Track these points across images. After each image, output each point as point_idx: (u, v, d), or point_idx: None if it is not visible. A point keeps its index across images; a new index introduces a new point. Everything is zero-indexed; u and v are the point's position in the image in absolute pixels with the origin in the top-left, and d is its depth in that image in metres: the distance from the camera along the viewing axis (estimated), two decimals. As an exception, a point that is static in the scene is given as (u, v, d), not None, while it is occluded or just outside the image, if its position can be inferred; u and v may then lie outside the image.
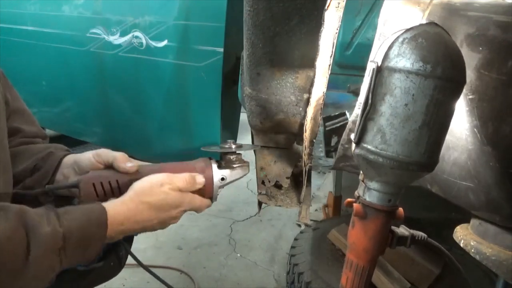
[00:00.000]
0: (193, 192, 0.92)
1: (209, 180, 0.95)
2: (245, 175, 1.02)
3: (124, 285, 2.16)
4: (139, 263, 0.93)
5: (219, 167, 0.98)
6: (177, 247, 2.59)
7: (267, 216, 3.10)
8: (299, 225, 2.88)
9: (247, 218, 3.03)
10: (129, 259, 1.01)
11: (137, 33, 1.57)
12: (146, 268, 0.96)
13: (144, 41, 1.56)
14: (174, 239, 2.62)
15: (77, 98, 1.85)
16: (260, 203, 1.16)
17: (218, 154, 1.03)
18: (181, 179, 0.89)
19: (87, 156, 0.95)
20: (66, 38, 1.72)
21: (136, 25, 1.57)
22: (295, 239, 1.95)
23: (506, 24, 0.85)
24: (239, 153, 1.01)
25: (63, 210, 0.74)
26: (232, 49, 1.50)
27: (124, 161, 0.91)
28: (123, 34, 1.59)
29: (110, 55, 1.63)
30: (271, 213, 3.11)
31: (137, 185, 0.86)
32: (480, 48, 0.86)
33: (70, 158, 0.98)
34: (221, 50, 1.46)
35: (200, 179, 0.93)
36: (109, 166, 0.93)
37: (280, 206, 1.13)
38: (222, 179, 0.96)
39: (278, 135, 1.10)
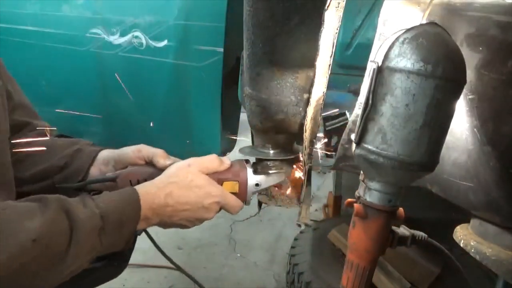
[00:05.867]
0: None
1: (243, 184, 0.94)
2: (280, 181, 1.00)
3: (124, 285, 2.15)
4: (156, 246, 1.01)
5: (255, 172, 0.96)
6: (177, 247, 2.59)
7: (267, 216, 3.10)
8: (299, 225, 2.88)
9: (247, 218, 3.03)
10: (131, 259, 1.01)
11: (137, 33, 1.57)
12: (163, 253, 0.97)
13: (144, 41, 1.56)
14: (174, 239, 2.62)
15: (77, 98, 1.85)
16: (260, 203, 1.16)
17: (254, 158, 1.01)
18: (208, 158, 0.91)
19: (127, 151, 0.97)
20: (66, 38, 1.72)
21: (136, 25, 1.57)
22: (295, 239, 1.96)
23: (506, 24, 0.85)
24: (276, 159, 0.99)
25: (97, 195, 0.78)
26: (232, 49, 1.51)
27: (164, 158, 0.94)
28: (123, 34, 1.59)
29: (110, 55, 1.63)
30: (271, 213, 3.11)
31: (167, 170, 0.89)
32: (480, 48, 0.86)
33: (106, 154, 1.00)
34: (221, 50, 1.46)
35: (226, 161, 0.94)
36: (149, 162, 0.95)
37: (280, 206, 1.13)
38: (257, 184, 0.95)
39: (278, 135, 1.09)
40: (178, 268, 1.04)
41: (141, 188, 0.82)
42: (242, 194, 0.94)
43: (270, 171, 0.98)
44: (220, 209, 0.92)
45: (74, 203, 0.72)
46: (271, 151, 1.00)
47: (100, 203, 0.75)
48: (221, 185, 0.92)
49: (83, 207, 0.72)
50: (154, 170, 0.93)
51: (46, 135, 1.02)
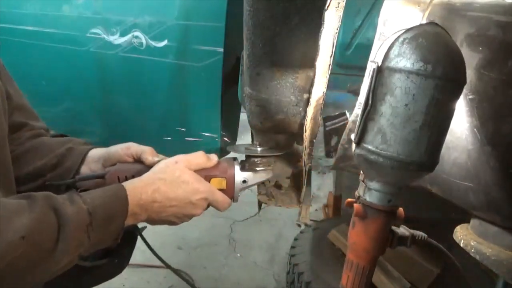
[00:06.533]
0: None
1: (231, 180, 0.95)
2: (268, 179, 1.01)
3: (124, 285, 2.16)
4: (150, 248, 0.99)
5: (242, 169, 0.97)
6: (177, 247, 2.59)
7: (267, 216, 3.10)
8: (299, 225, 2.88)
9: (247, 218, 3.03)
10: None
11: (137, 33, 1.57)
12: (158, 256, 1.01)
13: (144, 41, 1.56)
14: (174, 239, 2.62)
15: (77, 98, 1.86)
16: (260, 203, 1.16)
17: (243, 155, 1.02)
18: (195, 155, 0.92)
19: (116, 149, 0.98)
20: (66, 38, 1.72)
21: (136, 25, 1.57)
22: (295, 239, 1.96)
23: (506, 24, 0.85)
24: (263, 156, 1.00)
25: (85, 192, 0.78)
26: (232, 49, 1.51)
27: (152, 155, 0.95)
28: (123, 34, 1.60)
29: (110, 55, 1.63)
30: (271, 213, 3.11)
31: (154, 167, 0.90)
32: (480, 48, 0.86)
33: (96, 152, 1.00)
34: (221, 50, 1.46)
35: (214, 158, 0.95)
36: (137, 159, 0.96)
37: (280, 206, 1.13)
38: (244, 181, 0.96)
39: (278, 135, 1.09)
40: (170, 268, 1.04)
41: (128, 184, 0.83)
42: (229, 191, 0.95)
43: (258, 168, 0.98)
44: (208, 205, 0.93)
45: (61, 199, 0.73)
46: (259, 149, 1.01)
47: (87, 199, 0.75)
48: (209, 181, 0.93)
49: (70, 204, 0.72)
50: (142, 167, 0.93)
51: (42, 136, 1.03)
